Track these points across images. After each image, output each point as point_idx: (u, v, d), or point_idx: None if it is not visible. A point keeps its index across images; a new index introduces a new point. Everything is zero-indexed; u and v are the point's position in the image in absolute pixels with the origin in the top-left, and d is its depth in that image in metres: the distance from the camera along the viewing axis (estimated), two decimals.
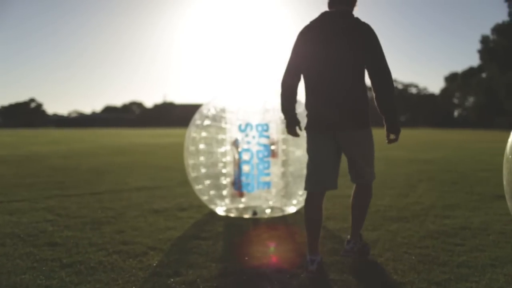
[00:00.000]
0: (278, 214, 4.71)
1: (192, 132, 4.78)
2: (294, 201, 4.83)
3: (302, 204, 4.87)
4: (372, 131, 2.92)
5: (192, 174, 4.80)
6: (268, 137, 4.54)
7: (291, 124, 3.01)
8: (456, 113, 79.62)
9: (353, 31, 2.76)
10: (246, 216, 4.59)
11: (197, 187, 4.80)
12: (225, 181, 4.75)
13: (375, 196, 5.66)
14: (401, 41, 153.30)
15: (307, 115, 2.94)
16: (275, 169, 4.68)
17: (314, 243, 2.85)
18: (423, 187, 6.58)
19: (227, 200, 4.78)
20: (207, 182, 4.75)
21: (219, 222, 4.37)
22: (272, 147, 4.59)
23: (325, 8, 2.95)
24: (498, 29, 48.35)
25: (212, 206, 4.79)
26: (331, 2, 2.88)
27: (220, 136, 4.67)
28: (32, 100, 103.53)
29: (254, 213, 4.58)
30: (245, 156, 4.52)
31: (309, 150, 2.95)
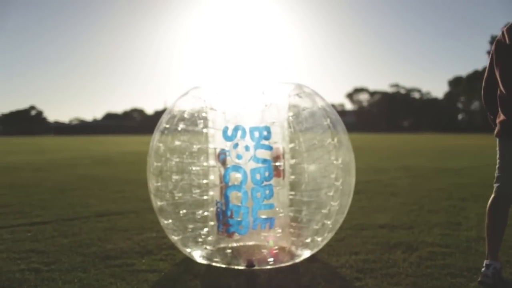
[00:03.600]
0: (285, 262, 3.12)
1: (156, 141, 3.22)
2: (308, 240, 3.25)
3: (319, 245, 3.28)
4: None
5: (158, 203, 3.23)
6: (270, 147, 2.95)
7: None
8: (459, 117, 78.82)
9: None
10: (238, 267, 3.02)
11: (165, 222, 3.23)
12: (206, 213, 3.19)
13: (417, 228, 4.09)
14: (402, 44, 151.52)
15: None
16: (281, 195, 3.11)
17: (496, 247, 2.74)
18: (473, 210, 5.01)
19: (209, 241, 3.21)
20: (181, 213, 3.19)
21: (193, 283, 2.79)
22: (277, 163, 3.00)
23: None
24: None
25: (187, 250, 3.22)
26: None
27: (197, 146, 3.10)
28: (32, 107, 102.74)
29: (250, 264, 2.99)
30: (235, 178, 2.92)
31: (500, 156, 2.85)
